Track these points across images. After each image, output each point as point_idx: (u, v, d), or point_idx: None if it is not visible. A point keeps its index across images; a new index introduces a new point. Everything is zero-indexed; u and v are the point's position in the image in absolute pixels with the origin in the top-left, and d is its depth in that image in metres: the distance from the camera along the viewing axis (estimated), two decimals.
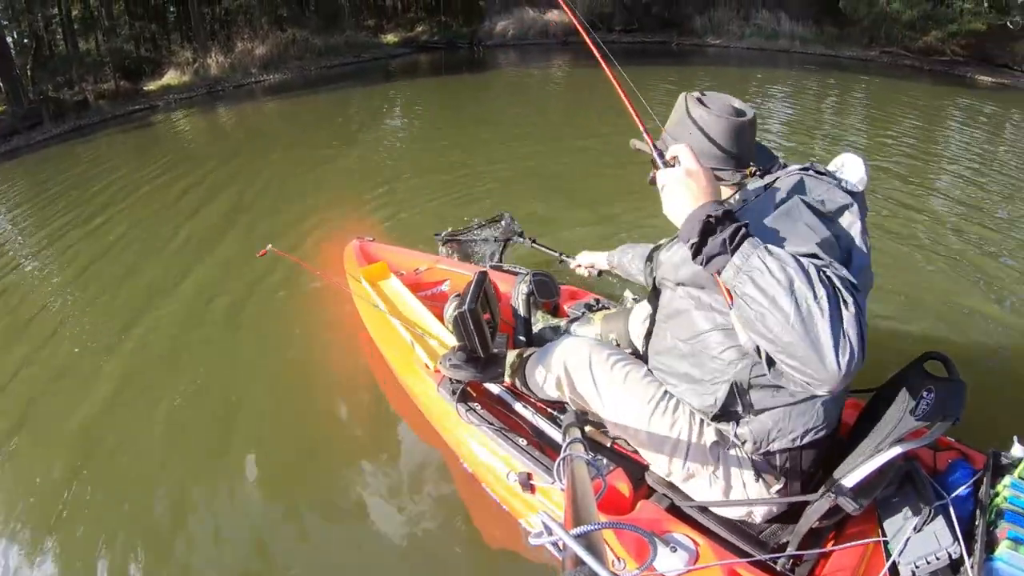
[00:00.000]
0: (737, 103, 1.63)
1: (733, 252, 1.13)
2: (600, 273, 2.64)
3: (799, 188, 1.45)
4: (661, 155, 1.30)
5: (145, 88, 12.82)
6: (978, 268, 4.30)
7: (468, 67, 15.12)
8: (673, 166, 1.26)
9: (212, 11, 15.54)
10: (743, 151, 1.60)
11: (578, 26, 2.05)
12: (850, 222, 1.41)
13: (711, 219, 1.16)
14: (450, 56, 16.52)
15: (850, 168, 1.53)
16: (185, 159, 7.70)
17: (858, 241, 1.39)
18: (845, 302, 1.07)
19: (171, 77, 13.27)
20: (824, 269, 1.11)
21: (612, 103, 1.88)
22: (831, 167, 1.55)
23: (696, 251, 1.18)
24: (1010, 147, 8.52)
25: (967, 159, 7.26)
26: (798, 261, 1.09)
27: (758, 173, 1.60)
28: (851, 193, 1.47)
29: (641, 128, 1.43)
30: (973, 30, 14.95)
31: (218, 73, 13.53)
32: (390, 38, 18.20)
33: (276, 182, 6.42)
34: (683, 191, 1.23)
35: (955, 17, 15.23)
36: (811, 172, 1.51)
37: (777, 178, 1.54)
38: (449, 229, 3.61)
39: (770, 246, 1.12)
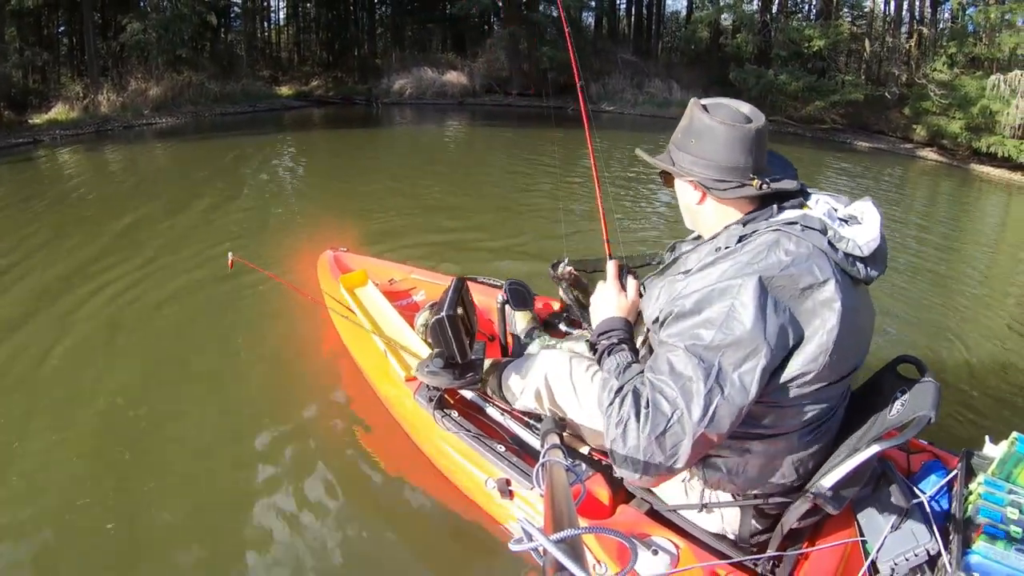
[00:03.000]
0: (746, 108, 1.45)
1: (600, 362, 1.49)
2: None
3: (767, 255, 1.28)
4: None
5: (30, 121, 11.73)
6: (930, 281, 4.66)
7: (365, 123, 14.78)
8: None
9: (107, 46, 14.31)
10: (748, 161, 1.39)
11: (576, 77, 2.08)
12: (822, 301, 1.26)
13: (608, 334, 1.52)
14: (347, 111, 16.20)
15: (865, 224, 1.37)
16: (68, 202, 6.85)
17: (827, 323, 1.26)
18: (638, 419, 1.25)
19: (59, 111, 12.20)
20: (644, 386, 1.30)
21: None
22: (847, 211, 1.40)
23: (591, 347, 1.56)
24: (891, 200, 9.17)
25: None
26: (625, 382, 1.34)
27: (763, 185, 1.37)
28: (854, 258, 1.33)
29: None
30: (853, 100, 15.84)
31: (108, 111, 12.51)
32: (284, 90, 17.66)
33: (177, 219, 5.90)
34: (602, 301, 1.63)
35: (836, 88, 16.06)
36: (797, 228, 1.32)
37: (756, 231, 1.36)
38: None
39: (618, 357, 1.44)
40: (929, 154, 14.57)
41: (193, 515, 2.30)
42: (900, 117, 15.93)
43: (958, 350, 3.65)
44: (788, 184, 1.41)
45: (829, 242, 1.31)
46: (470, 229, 5.62)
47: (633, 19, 22.43)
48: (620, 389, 1.31)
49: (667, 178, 1.58)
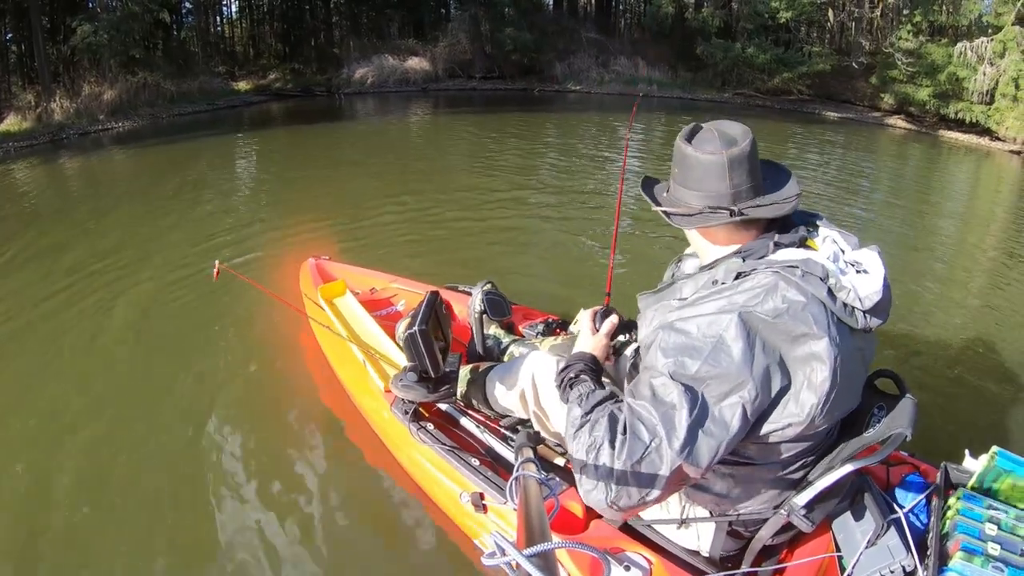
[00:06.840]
0: (733, 130, 1.33)
1: (563, 394, 1.38)
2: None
3: (763, 299, 1.18)
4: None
5: None
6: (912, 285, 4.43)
7: (330, 116, 13.72)
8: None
9: (57, 50, 12.98)
10: (725, 188, 1.30)
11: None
12: (813, 353, 1.16)
13: (569, 368, 1.41)
14: (309, 104, 15.04)
15: (871, 275, 1.25)
16: (28, 218, 6.15)
17: (817, 376, 1.16)
18: (613, 445, 1.14)
19: (11, 123, 11.00)
20: (621, 411, 1.18)
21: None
22: (854, 255, 1.29)
23: (559, 380, 1.42)
24: (869, 170, 9.16)
25: (832, 181, 7.86)
26: (591, 407, 1.23)
27: (733, 213, 1.29)
28: (853, 308, 1.22)
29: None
30: (820, 71, 15.66)
31: (62, 119, 11.30)
32: (242, 85, 16.41)
33: (146, 230, 5.44)
34: (580, 339, 1.56)
35: (803, 59, 15.83)
36: (798, 273, 1.20)
37: (755, 270, 1.24)
38: None
39: (581, 391, 1.31)
40: (897, 122, 14.50)
41: (164, 525, 2.21)
42: (867, 86, 15.81)
43: (937, 358, 3.48)
44: (771, 212, 1.30)
45: (829, 290, 1.20)
46: (448, 228, 5.37)
47: None
48: (588, 414, 1.20)
49: None
